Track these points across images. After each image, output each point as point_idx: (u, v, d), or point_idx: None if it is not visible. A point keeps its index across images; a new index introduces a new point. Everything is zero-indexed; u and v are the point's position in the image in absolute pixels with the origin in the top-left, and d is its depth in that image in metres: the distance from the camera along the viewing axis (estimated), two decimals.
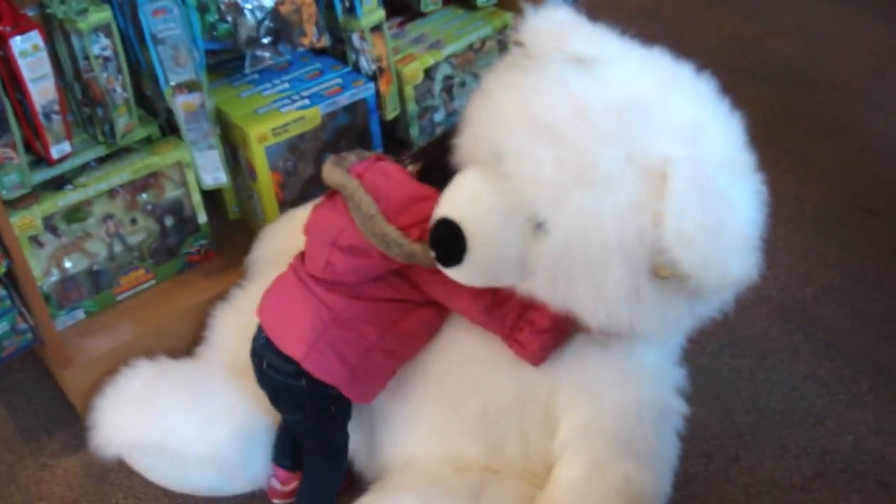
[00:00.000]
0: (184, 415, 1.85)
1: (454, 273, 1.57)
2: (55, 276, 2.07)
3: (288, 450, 1.90)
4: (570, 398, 1.68)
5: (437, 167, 1.68)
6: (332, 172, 1.72)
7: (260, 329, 1.78)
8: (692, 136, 1.46)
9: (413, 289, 1.72)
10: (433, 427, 1.80)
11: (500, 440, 1.75)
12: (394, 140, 2.44)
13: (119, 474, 2.07)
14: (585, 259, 1.44)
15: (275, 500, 1.92)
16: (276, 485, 1.91)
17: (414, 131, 2.43)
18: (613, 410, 1.65)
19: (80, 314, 2.14)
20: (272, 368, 1.74)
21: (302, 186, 2.27)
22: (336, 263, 1.68)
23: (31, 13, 1.92)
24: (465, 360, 1.77)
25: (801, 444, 2.00)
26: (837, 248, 2.31)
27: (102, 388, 1.96)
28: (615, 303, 1.47)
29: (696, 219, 1.39)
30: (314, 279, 1.73)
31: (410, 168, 1.79)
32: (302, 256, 1.79)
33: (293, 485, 1.90)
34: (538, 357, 1.65)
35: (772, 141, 2.81)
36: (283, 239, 2.07)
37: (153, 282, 2.21)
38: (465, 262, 1.53)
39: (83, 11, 1.90)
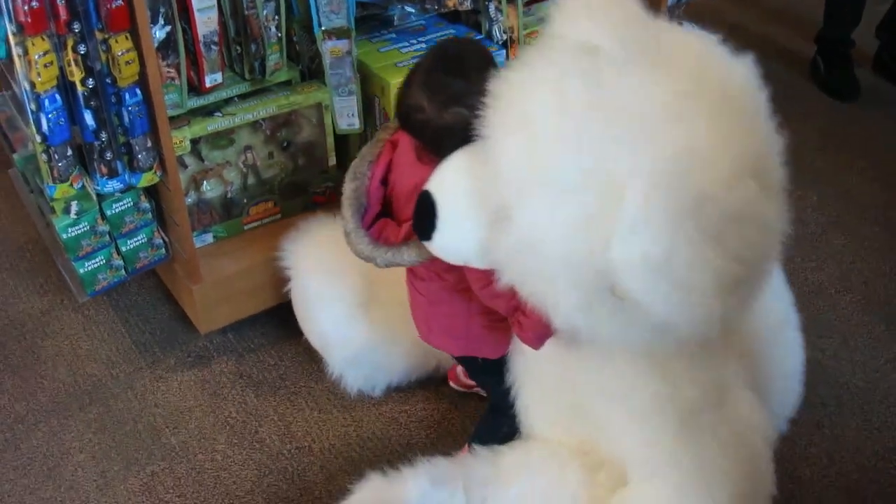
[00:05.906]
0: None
1: (429, 247, 1.59)
2: (192, 197, 2.22)
3: None
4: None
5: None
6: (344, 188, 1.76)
7: None
8: (675, 159, 1.30)
9: None
10: (539, 412, 1.83)
11: (593, 434, 1.76)
12: None
13: (232, 390, 2.20)
14: (537, 263, 1.41)
15: (451, 383, 2.21)
16: (459, 373, 2.19)
17: None
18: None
19: (209, 238, 2.28)
20: None
21: None
22: None
23: None
24: (555, 354, 1.70)
25: (883, 419, 2.10)
26: None
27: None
28: (566, 310, 1.44)
29: (643, 249, 1.30)
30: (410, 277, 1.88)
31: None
32: None
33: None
34: (535, 345, 1.67)
35: (865, 153, 2.95)
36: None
37: (279, 216, 2.34)
38: (434, 236, 1.55)
39: None
